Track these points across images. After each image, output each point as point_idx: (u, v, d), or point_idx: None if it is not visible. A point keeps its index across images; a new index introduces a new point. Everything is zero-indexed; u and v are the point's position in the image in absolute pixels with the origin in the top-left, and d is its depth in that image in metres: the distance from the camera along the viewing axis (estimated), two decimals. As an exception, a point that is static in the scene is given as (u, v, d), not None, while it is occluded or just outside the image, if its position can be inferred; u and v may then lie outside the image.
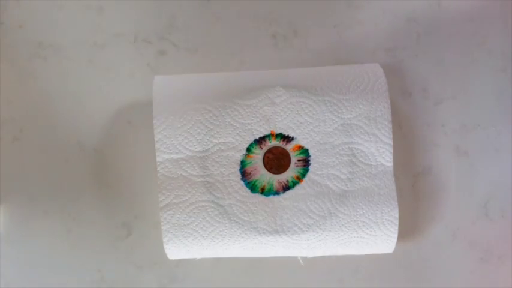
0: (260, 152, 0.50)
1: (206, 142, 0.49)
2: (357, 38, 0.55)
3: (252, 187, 0.50)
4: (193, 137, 0.49)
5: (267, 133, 0.50)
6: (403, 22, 0.55)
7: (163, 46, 0.55)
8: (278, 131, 0.50)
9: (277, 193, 0.50)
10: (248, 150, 0.50)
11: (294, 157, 0.50)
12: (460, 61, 0.55)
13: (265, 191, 0.50)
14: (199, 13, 0.55)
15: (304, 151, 0.50)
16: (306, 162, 0.50)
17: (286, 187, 0.50)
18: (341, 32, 0.55)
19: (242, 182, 0.50)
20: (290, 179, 0.50)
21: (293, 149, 0.50)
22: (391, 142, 0.49)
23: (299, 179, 0.50)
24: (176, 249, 0.51)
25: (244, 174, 0.50)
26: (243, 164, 0.50)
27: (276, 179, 0.50)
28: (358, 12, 0.55)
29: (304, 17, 0.55)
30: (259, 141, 0.50)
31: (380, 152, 0.49)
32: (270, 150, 0.50)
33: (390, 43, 0.55)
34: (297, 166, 0.50)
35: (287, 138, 0.50)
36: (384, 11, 0.55)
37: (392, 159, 0.49)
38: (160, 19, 0.55)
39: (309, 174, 0.50)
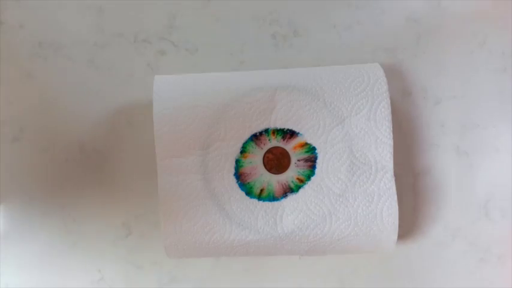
0: (260, 152, 0.50)
1: (206, 142, 0.49)
2: (357, 38, 0.55)
3: (249, 190, 0.50)
4: (193, 137, 0.49)
5: (265, 131, 0.50)
6: (403, 22, 0.55)
7: (163, 46, 0.55)
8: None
9: (276, 199, 0.50)
10: (244, 149, 0.50)
11: (295, 157, 0.50)
12: (460, 61, 0.54)
13: (263, 195, 0.50)
14: (199, 13, 0.55)
15: (310, 149, 0.50)
16: (307, 162, 0.50)
17: (287, 189, 0.50)
18: (341, 32, 0.55)
19: (237, 185, 0.49)
20: (290, 179, 0.50)
21: (294, 148, 0.50)
22: (391, 142, 0.49)
23: (300, 179, 0.50)
24: (176, 249, 0.51)
25: (241, 175, 0.50)
26: (238, 163, 0.50)
27: (276, 180, 0.50)
28: (358, 12, 0.55)
29: (304, 17, 0.55)
30: (258, 139, 0.50)
31: (380, 152, 0.49)
32: (269, 151, 0.50)
33: (390, 43, 0.55)
34: (297, 166, 0.50)
35: (291, 134, 0.49)
36: (384, 11, 0.55)
37: (392, 159, 0.49)
38: (160, 19, 0.55)
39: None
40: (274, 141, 0.50)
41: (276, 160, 0.50)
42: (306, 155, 0.50)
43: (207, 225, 0.49)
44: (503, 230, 0.54)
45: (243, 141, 0.50)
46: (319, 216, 0.49)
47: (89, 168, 0.55)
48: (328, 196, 0.49)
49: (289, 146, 0.50)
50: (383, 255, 0.53)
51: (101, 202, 0.55)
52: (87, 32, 0.55)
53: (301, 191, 0.50)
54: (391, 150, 0.49)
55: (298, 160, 0.50)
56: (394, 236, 0.50)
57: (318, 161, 0.50)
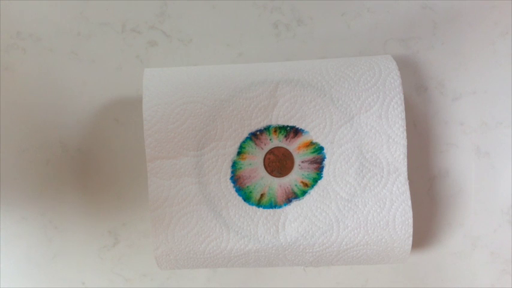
0: (260, 153, 0.49)
1: (201, 142, 0.48)
2: (367, 27, 0.54)
3: (248, 195, 0.49)
4: (186, 136, 0.48)
5: (266, 129, 0.49)
6: (417, 9, 0.54)
7: (153, 36, 0.54)
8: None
9: (278, 206, 0.49)
10: (242, 149, 0.49)
11: (299, 158, 0.49)
12: (480, 53, 0.54)
13: (263, 201, 0.49)
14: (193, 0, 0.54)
15: (317, 149, 0.49)
16: (312, 164, 0.49)
17: (290, 193, 0.49)
18: (349, 20, 0.54)
19: (234, 190, 0.49)
20: (294, 183, 0.49)
21: (298, 149, 0.49)
22: (405, 142, 0.48)
23: (305, 183, 0.49)
24: (168, 260, 0.50)
25: (239, 179, 0.49)
26: (236, 165, 0.49)
27: (278, 183, 0.49)
28: (369, -1, 0.55)
29: (309, 3, 0.54)
30: (258, 138, 0.49)
31: (392, 153, 0.48)
32: (271, 151, 0.49)
33: (404, 33, 0.54)
34: (302, 169, 0.49)
35: (295, 132, 0.49)
36: (397, -2, 0.55)
37: (405, 161, 0.48)
38: (150, 7, 0.54)
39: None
40: (276, 141, 0.49)
41: (278, 162, 0.49)
42: (311, 156, 0.49)
43: (202, 233, 0.49)
44: (528, 239, 0.54)
45: (241, 140, 0.49)
46: (326, 223, 0.48)
47: (72, 171, 0.54)
48: (335, 201, 0.48)
49: (293, 146, 0.49)
50: (396, 266, 0.53)
51: (85, 208, 0.55)
52: (70, 21, 0.54)
53: (306, 196, 0.49)
54: (405, 151, 0.48)
55: (303, 162, 0.49)
56: (408, 245, 0.49)
57: (325, 162, 0.49)
